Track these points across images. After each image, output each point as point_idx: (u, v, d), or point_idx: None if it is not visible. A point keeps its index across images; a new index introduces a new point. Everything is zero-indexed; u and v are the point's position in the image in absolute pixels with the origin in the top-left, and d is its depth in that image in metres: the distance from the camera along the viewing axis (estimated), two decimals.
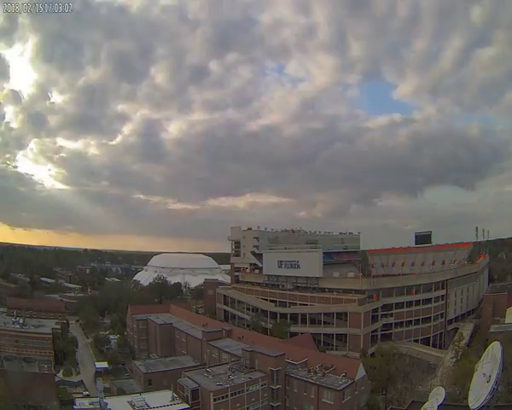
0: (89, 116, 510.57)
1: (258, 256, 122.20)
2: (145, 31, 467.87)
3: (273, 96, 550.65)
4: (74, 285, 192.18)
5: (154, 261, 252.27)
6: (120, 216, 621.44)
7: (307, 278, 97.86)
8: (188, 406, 47.34)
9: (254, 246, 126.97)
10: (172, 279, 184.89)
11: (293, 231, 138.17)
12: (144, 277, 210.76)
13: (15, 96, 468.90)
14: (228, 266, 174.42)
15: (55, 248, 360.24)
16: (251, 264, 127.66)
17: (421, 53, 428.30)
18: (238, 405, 49.00)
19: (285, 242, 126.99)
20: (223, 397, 47.81)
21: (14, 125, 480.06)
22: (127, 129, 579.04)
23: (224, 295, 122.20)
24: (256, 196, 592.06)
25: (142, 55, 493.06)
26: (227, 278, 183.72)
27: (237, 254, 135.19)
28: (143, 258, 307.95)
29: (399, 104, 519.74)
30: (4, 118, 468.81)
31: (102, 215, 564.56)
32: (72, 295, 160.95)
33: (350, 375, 51.64)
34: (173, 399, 48.40)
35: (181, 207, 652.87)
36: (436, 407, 28.26)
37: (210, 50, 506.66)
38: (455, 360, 72.86)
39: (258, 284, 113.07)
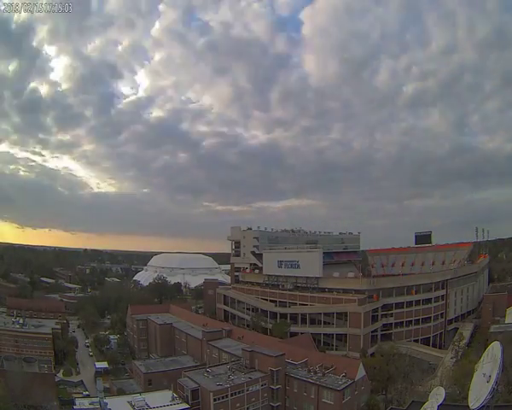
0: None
1: (258, 256, 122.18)
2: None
3: None
4: (74, 285, 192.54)
5: (154, 261, 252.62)
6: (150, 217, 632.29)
7: (307, 278, 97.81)
8: (188, 406, 47.34)
9: (254, 246, 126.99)
10: (172, 279, 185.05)
11: (293, 231, 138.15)
12: (144, 277, 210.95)
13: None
14: (228, 266, 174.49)
15: (54, 248, 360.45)
16: (251, 264, 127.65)
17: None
18: (238, 405, 49.01)
19: (285, 242, 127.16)
20: (223, 397, 47.80)
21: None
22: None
23: (224, 295, 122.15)
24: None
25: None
26: (227, 278, 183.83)
27: (237, 254, 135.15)
28: (143, 258, 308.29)
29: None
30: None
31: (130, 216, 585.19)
32: (72, 295, 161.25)
33: (350, 375, 51.61)
34: (173, 399, 48.45)
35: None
36: (436, 407, 28.22)
37: None
38: (455, 360, 73.00)
39: (258, 284, 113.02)
